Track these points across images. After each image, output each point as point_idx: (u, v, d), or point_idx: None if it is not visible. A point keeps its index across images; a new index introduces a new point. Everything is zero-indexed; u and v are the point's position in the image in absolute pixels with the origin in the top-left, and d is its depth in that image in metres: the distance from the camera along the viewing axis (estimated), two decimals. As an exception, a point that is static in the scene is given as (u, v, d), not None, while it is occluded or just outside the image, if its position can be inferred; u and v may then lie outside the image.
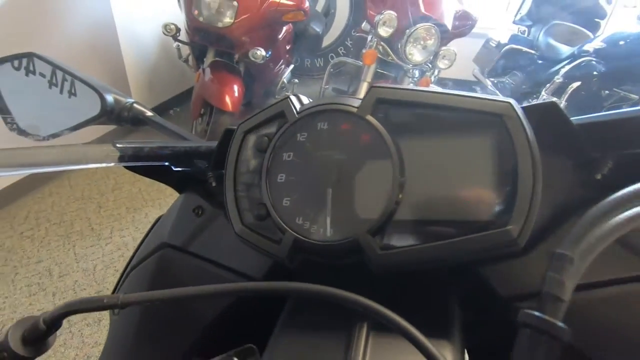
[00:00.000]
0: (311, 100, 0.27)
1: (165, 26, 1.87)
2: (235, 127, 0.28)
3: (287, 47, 2.25)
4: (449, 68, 2.02)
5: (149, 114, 0.40)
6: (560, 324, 0.15)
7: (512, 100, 0.21)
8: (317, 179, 0.24)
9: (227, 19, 1.70)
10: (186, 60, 2.14)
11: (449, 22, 1.82)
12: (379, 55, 1.87)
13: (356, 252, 0.22)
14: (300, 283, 0.20)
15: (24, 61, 0.40)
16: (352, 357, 0.20)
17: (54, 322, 0.20)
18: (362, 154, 0.23)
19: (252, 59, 1.78)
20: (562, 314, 0.15)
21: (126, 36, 2.36)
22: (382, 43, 1.82)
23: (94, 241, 1.71)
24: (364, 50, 1.85)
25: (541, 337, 0.15)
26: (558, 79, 2.06)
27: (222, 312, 0.29)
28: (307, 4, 1.90)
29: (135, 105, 0.41)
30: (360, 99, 0.24)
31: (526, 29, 3.05)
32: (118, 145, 0.29)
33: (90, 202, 1.94)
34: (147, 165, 0.31)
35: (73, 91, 0.44)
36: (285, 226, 0.24)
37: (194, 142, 0.35)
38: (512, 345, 0.16)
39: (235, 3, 1.66)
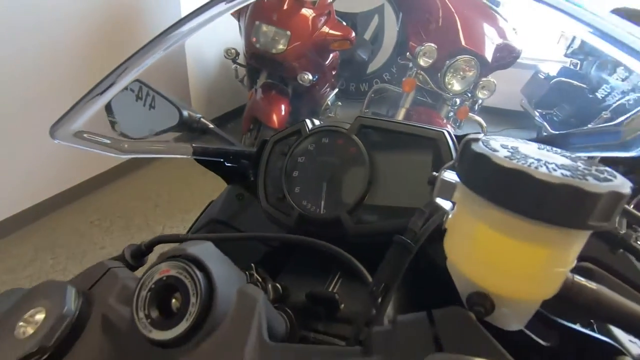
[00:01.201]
0: (321, 123, 0.39)
1: (227, 50, 2.13)
2: (269, 139, 0.41)
3: (333, 72, 2.42)
4: (489, 97, 2.05)
5: (211, 126, 0.54)
6: (410, 242, 0.25)
7: (445, 130, 0.32)
8: (318, 175, 0.36)
9: (281, 46, 1.90)
10: (242, 80, 2.39)
11: (489, 55, 1.88)
12: (418, 84, 1.97)
13: (338, 225, 0.34)
14: (301, 236, 0.31)
15: (133, 85, 0.56)
16: (327, 285, 0.30)
17: (149, 247, 0.33)
18: (348, 161, 0.35)
19: (300, 82, 1.96)
20: (414, 239, 0.25)
21: (193, 56, 2.69)
22: (421, 72, 1.91)
23: (149, 234, 1.94)
24: (404, 78, 1.96)
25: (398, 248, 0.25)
26: (606, 114, 2.01)
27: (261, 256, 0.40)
28: (353, 34, 2.06)
29: (202, 119, 0.55)
30: (350, 124, 0.36)
31: (578, 62, 2.98)
32: (193, 145, 0.43)
33: (148, 202, 2.20)
34: (208, 159, 0.45)
35: (154, 105, 0.60)
36: (295, 205, 0.36)
37: (240, 147, 0.49)
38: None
39: (288, 32, 1.87)
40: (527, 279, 0.18)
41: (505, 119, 3.89)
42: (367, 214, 0.34)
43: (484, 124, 2.22)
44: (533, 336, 0.21)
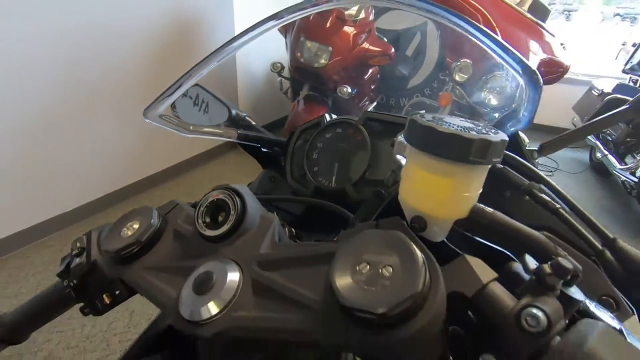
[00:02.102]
0: (337, 117, 0.48)
1: (273, 64, 2.30)
2: (296, 130, 0.50)
3: (372, 87, 2.50)
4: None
5: (253, 123, 0.65)
6: (383, 192, 0.31)
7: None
8: (331, 157, 0.44)
9: (322, 61, 2.03)
10: (285, 92, 2.55)
11: (531, 70, 1.85)
12: (455, 98, 1.99)
13: (344, 195, 0.41)
14: (310, 198, 0.39)
15: (192, 89, 0.68)
16: (332, 239, 0.38)
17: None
18: (355, 146, 0.43)
19: (339, 94, 2.06)
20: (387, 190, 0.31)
21: (243, 70, 2.92)
22: (457, 87, 1.94)
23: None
24: (440, 93, 1.99)
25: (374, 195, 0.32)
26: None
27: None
28: (392, 50, 2.14)
29: (246, 117, 0.66)
30: (358, 117, 0.44)
31: (638, 79, 2.80)
32: (238, 132, 0.53)
33: (191, 199, 2.40)
34: (249, 144, 0.55)
35: (207, 110, 0.72)
36: (313, 180, 0.44)
37: (275, 137, 0.58)
38: None
39: (330, 48, 1.99)
40: (445, 203, 0.25)
41: (554, 136, 3.71)
42: (366, 186, 0.41)
43: (526, 139, 2.17)
44: (452, 246, 0.28)
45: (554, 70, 2.07)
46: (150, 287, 0.26)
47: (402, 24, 3.64)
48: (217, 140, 0.65)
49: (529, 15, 1.93)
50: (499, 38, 0.35)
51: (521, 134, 0.44)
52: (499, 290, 0.21)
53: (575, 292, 0.20)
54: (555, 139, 0.46)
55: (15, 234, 1.81)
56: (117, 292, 0.33)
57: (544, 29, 1.98)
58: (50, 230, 1.95)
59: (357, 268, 0.20)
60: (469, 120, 0.25)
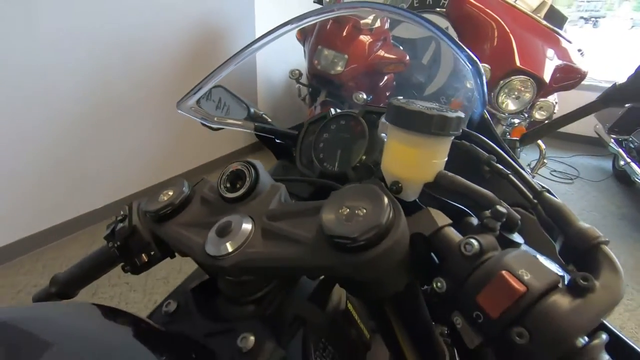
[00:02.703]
0: (340, 110, 0.54)
1: (292, 71, 2.39)
2: (305, 123, 0.56)
3: (387, 93, 2.55)
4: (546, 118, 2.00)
5: (269, 119, 0.72)
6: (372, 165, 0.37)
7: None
8: (335, 146, 0.50)
9: (339, 68, 2.10)
10: (303, 99, 2.63)
11: (547, 76, 1.85)
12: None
13: (345, 177, 0.47)
14: (316, 179, 0.45)
15: (214, 91, 0.76)
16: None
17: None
18: (355, 135, 0.49)
19: (355, 100, 2.12)
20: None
21: (262, 76, 3.05)
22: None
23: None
24: (453, 98, 2.02)
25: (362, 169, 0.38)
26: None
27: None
28: (407, 58, 2.19)
29: (263, 115, 0.73)
30: (359, 111, 0.50)
31: (663, 85, 2.74)
32: (256, 124, 0.59)
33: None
34: (264, 135, 0.61)
35: (229, 113, 0.79)
36: (319, 166, 0.50)
37: (287, 130, 0.64)
38: None
39: (346, 56, 2.06)
40: (415, 168, 0.30)
41: (576, 145, 3.64)
42: (364, 168, 0.47)
43: (543, 146, 2.16)
44: (421, 204, 0.33)
45: (571, 77, 2.06)
46: (181, 238, 0.33)
47: (419, 33, 3.68)
48: (237, 132, 0.72)
49: (544, 22, 1.94)
50: (452, 36, 0.42)
51: (487, 115, 0.49)
52: (451, 232, 0.26)
53: (516, 237, 0.25)
54: (533, 130, 0.51)
55: (50, 228, 1.95)
56: (152, 253, 0.40)
57: (560, 35, 1.98)
58: (81, 226, 2.09)
59: (340, 211, 0.26)
60: (435, 104, 0.30)
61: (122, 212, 0.42)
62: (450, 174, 0.30)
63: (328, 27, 2.16)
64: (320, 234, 0.25)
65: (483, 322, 0.22)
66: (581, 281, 0.21)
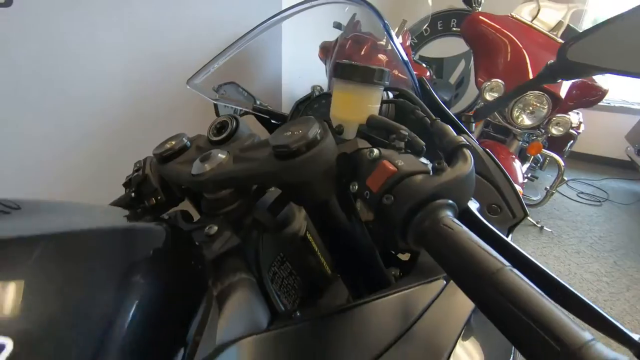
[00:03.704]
0: (323, 91, 0.64)
1: (314, 87, 2.54)
2: (295, 103, 0.66)
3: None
4: (563, 134, 1.98)
5: (270, 108, 0.83)
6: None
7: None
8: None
9: (357, 83, 2.22)
10: (325, 113, 2.77)
11: (562, 92, 1.86)
12: (487, 118, 2.05)
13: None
14: None
15: (226, 87, 0.88)
16: None
17: None
18: None
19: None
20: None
21: (287, 90, 3.25)
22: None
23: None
24: (468, 112, 2.06)
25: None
26: None
27: None
28: (427, 74, 2.27)
29: (268, 107, 0.84)
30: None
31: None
32: (254, 105, 0.70)
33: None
34: (259, 115, 0.72)
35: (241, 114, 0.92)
36: None
37: (282, 112, 0.74)
38: None
39: (364, 71, 2.18)
40: (353, 112, 0.38)
41: (606, 168, 3.51)
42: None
43: (562, 162, 2.13)
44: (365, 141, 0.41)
45: (591, 94, 2.06)
46: (177, 171, 0.42)
47: (447, 52, 3.78)
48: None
49: (560, 41, 1.97)
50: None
51: (426, 83, 0.56)
52: (367, 151, 0.34)
53: (423, 160, 0.33)
54: (484, 106, 0.58)
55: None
56: (159, 197, 0.51)
57: (578, 53, 2.00)
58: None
59: (284, 133, 0.34)
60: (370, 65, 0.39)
61: (137, 165, 0.53)
62: (379, 116, 0.38)
63: (347, 46, 2.31)
64: (269, 150, 0.35)
65: (369, 197, 0.30)
66: (436, 165, 0.28)
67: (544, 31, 1.98)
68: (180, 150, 0.46)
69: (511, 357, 0.37)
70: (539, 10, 2.06)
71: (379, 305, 0.34)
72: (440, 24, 3.55)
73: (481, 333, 0.36)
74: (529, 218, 2.47)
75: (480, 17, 1.97)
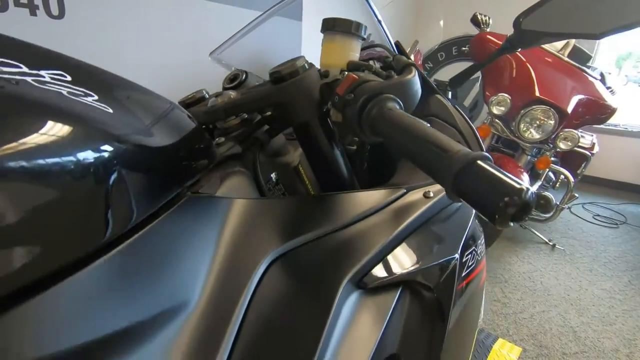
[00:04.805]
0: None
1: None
2: None
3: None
4: (571, 148, 2.01)
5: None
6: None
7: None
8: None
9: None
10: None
11: (569, 107, 1.91)
12: (495, 132, 2.11)
13: None
14: None
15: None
16: None
17: None
18: None
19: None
20: None
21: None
22: (497, 120, 2.06)
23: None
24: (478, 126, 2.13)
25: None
26: None
27: None
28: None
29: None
30: None
31: None
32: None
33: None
34: None
35: None
36: None
37: None
38: None
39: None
40: (337, 58, 0.47)
41: (626, 193, 3.44)
42: None
43: (572, 178, 2.14)
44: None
45: (600, 111, 2.09)
46: (196, 111, 0.52)
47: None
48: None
49: (566, 59, 2.05)
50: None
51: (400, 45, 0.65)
52: (340, 75, 0.43)
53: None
54: (459, 73, 0.66)
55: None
56: None
57: (585, 72, 2.07)
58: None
59: (281, 65, 0.44)
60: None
61: None
62: (356, 60, 0.48)
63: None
64: (268, 84, 0.45)
65: (338, 99, 0.39)
66: (386, 74, 0.38)
67: (551, 51, 2.06)
68: (200, 99, 0.56)
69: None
70: (547, 32, 2.16)
71: (338, 197, 0.42)
72: (455, 49, 3.68)
73: (426, 242, 0.43)
74: (540, 235, 2.45)
75: (488, 36, 2.08)
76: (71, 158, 0.21)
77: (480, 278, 0.49)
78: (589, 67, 2.19)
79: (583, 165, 2.51)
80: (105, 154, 0.23)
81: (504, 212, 0.22)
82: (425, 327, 0.37)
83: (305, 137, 0.48)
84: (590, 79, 2.07)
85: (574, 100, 1.95)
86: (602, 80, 2.22)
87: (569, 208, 3.04)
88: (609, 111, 2.09)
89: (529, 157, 2.15)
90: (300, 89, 0.42)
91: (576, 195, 2.18)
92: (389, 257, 0.37)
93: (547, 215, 2.18)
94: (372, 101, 0.36)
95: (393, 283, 0.35)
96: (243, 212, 0.35)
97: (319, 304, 0.30)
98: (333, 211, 0.39)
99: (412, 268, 0.37)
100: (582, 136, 2.60)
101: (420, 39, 2.47)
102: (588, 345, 1.52)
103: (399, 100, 0.37)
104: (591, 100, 2.01)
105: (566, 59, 2.04)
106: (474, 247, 0.47)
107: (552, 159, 2.17)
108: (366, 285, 0.34)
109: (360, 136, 0.38)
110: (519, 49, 0.57)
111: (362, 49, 0.57)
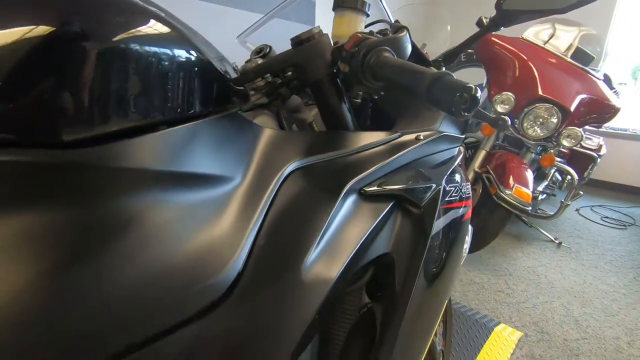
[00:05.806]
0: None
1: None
2: None
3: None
4: (574, 147, 2.06)
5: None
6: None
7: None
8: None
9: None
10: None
11: (572, 105, 1.96)
12: (500, 130, 2.18)
13: None
14: None
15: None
16: None
17: None
18: None
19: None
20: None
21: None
22: (501, 118, 2.13)
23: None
24: (482, 123, 2.21)
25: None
26: None
27: None
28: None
29: None
30: None
31: None
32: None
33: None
34: None
35: None
36: None
37: None
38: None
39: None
40: (345, 30, 0.57)
41: (636, 197, 3.43)
42: None
43: (575, 174, 2.19)
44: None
45: (603, 111, 2.14)
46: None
47: (472, 81, 3.95)
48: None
49: (569, 59, 2.12)
50: None
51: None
52: (349, 37, 0.53)
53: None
54: (449, 51, 0.75)
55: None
56: None
57: (588, 72, 2.13)
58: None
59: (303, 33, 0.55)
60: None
61: None
62: (362, 32, 0.58)
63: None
64: (287, 50, 0.55)
65: (345, 55, 0.49)
66: (383, 32, 0.47)
67: (554, 51, 2.14)
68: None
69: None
70: (553, 34, 2.23)
71: (347, 134, 0.51)
72: (463, 55, 3.77)
73: (416, 172, 0.52)
74: (546, 234, 2.49)
75: (493, 38, 2.17)
76: (169, 52, 0.33)
77: (464, 211, 0.57)
78: (592, 69, 2.26)
79: (590, 167, 2.55)
80: (193, 57, 0.36)
81: (458, 104, 0.32)
82: (414, 235, 0.46)
83: (319, 94, 0.58)
84: (594, 79, 2.13)
85: (577, 99, 2.00)
86: (607, 81, 2.28)
87: (576, 210, 3.07)
88: (612, 111, 2.14)
89: (533, 154, 2.21)
90: (316, 51, 0.52)
91: (581, 192, 2.22)
92: (385, 177, 0.46)
93: (553, 213, 2.22)
94: (372, 52, 0.46)
95: (387, 194, 0.45)
96: (271, 136, 0.45)
97: (325, 201, 0.39)
98: (341, 142, 0.49)
99: (403, 187, 0.46)
100: (588, 137, 2.64)
101: (428, 43, 2.57)
102: (589, 333, 1.56)
103: (392, 52, 0.46)
104: (594, 99, 2.06)
105: (569, 59, 2.11)
106: (458, 184, 0.56)
107: (558, 158, 2.22)
108: (364, 193, 0.43)
109: (363, 81, 0.48)
110: (501, 27, 0.66)
111: (366, 26, 0.67)
